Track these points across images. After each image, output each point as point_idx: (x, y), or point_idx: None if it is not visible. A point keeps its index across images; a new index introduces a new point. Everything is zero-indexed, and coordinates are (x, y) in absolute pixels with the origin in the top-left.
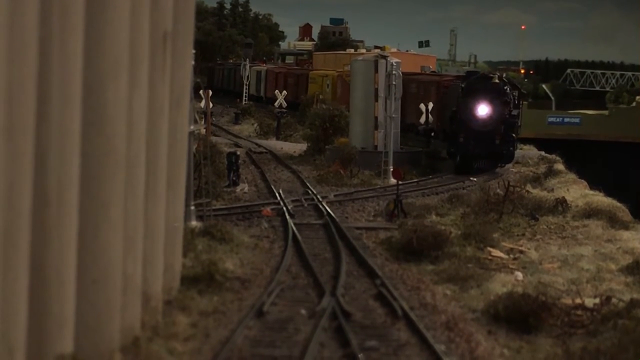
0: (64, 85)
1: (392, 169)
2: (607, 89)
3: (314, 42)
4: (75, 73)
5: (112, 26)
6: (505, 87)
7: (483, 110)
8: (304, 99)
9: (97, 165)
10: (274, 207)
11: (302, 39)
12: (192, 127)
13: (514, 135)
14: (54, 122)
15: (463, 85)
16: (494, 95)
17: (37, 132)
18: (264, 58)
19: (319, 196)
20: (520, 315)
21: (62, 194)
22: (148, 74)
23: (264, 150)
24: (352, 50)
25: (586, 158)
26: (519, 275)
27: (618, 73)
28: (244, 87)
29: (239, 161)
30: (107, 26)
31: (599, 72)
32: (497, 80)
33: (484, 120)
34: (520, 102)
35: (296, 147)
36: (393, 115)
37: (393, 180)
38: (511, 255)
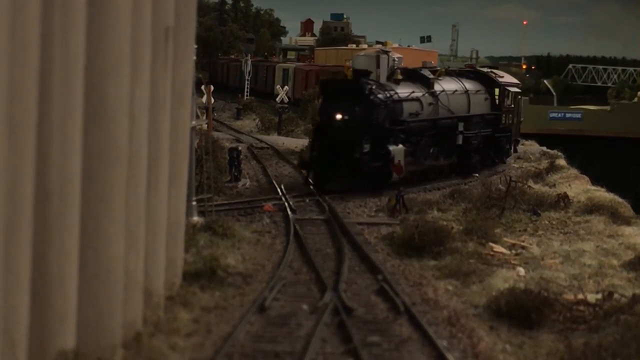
0: (65, 81)
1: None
2: (609, 85)
3: (316, 38)
4: (77, 69)
5: (114, 22)
6: (371, 87)
7: (338, 116)
8: (306, 95)
9: (99, 160)
10: (275, 202)
11: (303, 35)
12: (193, 122)
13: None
14: (56, 118)
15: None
16: (355, 98)
17: (39, 128)
18: (266, 53)
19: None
20: (522, 311)
21: (64, 189)
22: (150, 70)
23: (266, 146)
24: (354, 46)
25: (588, 154)
26: (521, 270)
27: (620, 68)
28: (245, 82)
29: (241, 156)
30: (109, 22)
31: (600, 67)
32: (369, 80)
33: (340, 129)
34: (503, 99)
35: (298, 143)
36: None
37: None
38: (513, 251)
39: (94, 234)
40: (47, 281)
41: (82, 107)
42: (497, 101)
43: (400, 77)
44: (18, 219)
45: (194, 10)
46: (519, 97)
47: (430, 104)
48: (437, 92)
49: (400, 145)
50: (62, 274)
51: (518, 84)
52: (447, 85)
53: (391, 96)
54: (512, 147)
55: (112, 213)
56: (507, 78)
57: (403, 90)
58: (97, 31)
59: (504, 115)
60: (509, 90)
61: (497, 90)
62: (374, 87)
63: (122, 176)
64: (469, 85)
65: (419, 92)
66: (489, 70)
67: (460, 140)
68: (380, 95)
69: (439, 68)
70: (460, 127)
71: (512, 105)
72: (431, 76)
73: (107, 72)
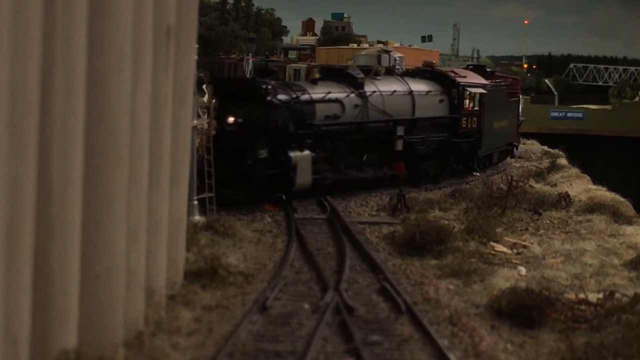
0: (67, 79)
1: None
2: (610, 84)
3: (317, 37)
4: (78, 67)
5: (116, 20)
6: (268, 87)
7: (231, 119)
8: None
9: (101, 159)
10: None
11: (304, 34)
12: (195, 121)
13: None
14: (58, 117)
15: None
16: (251, 99)
17: (40, 127)
18: (267, 53)
19: None
20: (524, 310)
21: (66, 188)
22: (151, 69)
23: None
24: (355, 45)
25: (589, 153)
26: (522, 270)
27: (621, 68)
28: None
29: None
30: (111, 20)
31: (601, 66)
32: (268, 80)
33: (233, 133)
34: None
35: None
36: None
37: None
38: (514, 250)
39: (95, 233)
40: (48, 280)
41: (83, 106)
42: (456, 103)
43: (317, 76)
44: (19, 218)
45: (196, 9)
46: (516, 98)
47: (356, 105)
48: (368, 93)
49: (307, 152)
50: (63, 273)
51: (485, 84)
52: (384, 85)
53: (298, 97)
54: (499, 156)
55: (113, 212)
56: (471, 78)
57: (318, 91)
58: (99, 30)
59: (464, 118)
60: (470, 92)
61: (455, 92)
62: (270, 86)
63: (123, 175)
64: (419, 85)
65: (341, 93)
66: (451, 69)
67: (400, 146)
68: (281, 96)
69: (378, 68)
70: (400, 131)
71: (476, 108)
72: (360, 76)
73: (108, 71)
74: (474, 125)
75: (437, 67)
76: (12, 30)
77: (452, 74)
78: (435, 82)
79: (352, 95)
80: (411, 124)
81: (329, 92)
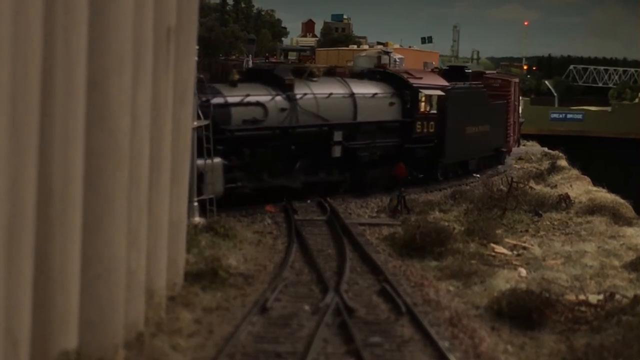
0: (67, 80)
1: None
2: (610, 85)
3: (317, 39)
4: (79, 68)
5: (116, 21)
6: None
7: None
8: None
9: (101, 160)
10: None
11: (304, 35)
12: (195, 123)
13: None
14: (58, 117)
15: None
16: None
17: (41, 127)
18: (267, 54)
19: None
20: (524, 312)
21: (66, 188)
22: (152, 70)
23: None
24: (355, 47)
25: (589, 154)
26: (523, 271)
27: (621, 69)
28: None
29: None
30: (111, 21)
31: (601, 68)
32: None
33: None
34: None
35: None
36: None
37: None
38: (514, 252)
39: (95, 233)
40: (49, 281)
41: (84, 106)
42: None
43: (236, 77)
44: (20, 219)
45: (196, 10)
46: (504, 102)
47: (282, 109)
48: (298, 96)
49: (218, 159)
50: (64, 274)
51: (445, 86)
52: (319, 88)
53: (208, 100)
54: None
55: (114, 213)
56: (429, 79)
57: (236, 93)
58: (99, 31)
59: (418, 122)
60: (425, 94)
61: (408, 94)
62: None
63: (124, 176)
64: (364, 87)
65: (264, 96)
66: (406, 70)
67: (337, 153)
68: None
69: (312, 67)
70: (338, 136)
71: (434, 111)
72: (289, 77)
73: (109, 71)
74: (432, 130)
75: (390, 69)
76: (13, 30)
77: (406, 75)
78: (386, 84)
79: (278, 98)
80: (352, 128)
81: (248, 95)
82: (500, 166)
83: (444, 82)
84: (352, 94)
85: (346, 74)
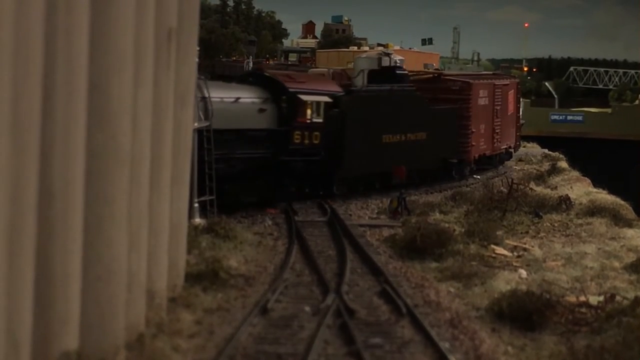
0: (69, 81)
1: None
2: (610, 87)
3: (317, 40)
4: (80, 69)
5: (117, 22)
6: None
7: None
8: None
9: (102, 161)
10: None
11: (305, 37)
12: (196, 124)
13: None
14: (59, 118)
15: None
16: None
17: (42, 128)
18: (267, 56)
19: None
20: (524, 313)
21: (67, 190)
22: (153, 71)
23: None
24: (355, 48)
25: (589, 156)
26: (523, 273)
27: (621, 71)
28: None
29: None
30: (112, 22)
31: (602, 69)
32: None
33: None
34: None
35: None
36: None
37: None
38: (515, 253)
39: (96, 235)
40: (50, 282)
41: (85, 107)
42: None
43: None
44: (21, 220)
45: (197, 11)
46: (455, 106)
47: None
48: None
49: None
50: (65, 275)
51: (336, 92)
52: None
53: None
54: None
55: (114, 214)
56: (315, 84)
57: None
58: (100, 32)
59: (297, 132)
60: (307, 100)
61: (285, 99)
62: None
63: (124, 177)
64: (225, 91)
65: None
66: (287, 73)
67: None
68: None
69: None
70: None
71: (319, 120)
72: None
73: (110, 72)
74: (316, 141)
75: (268, 72)
76: (14, 32)
77: (284, 79)
78: (259, 88)
79: None
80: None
81: None
82: (500, 167)
83: (334, 88)
84: (204, 98)
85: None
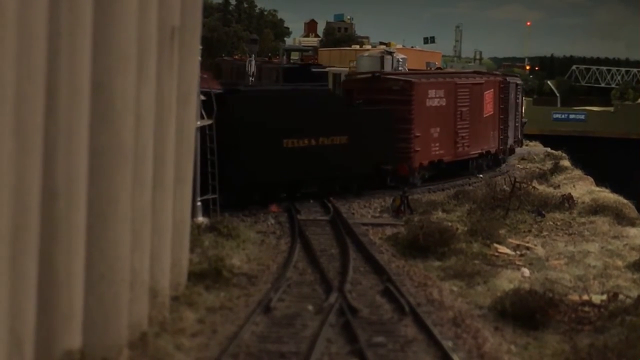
0: (72, 80)
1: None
2: (613, 86)
3: (319, 39)
4: (83, 68)
5: (120, 21)
6: None
7: None
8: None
9: (105, 160)
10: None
11: (307, 35)
12: (198, 123)
13: None
14: (63, 117)
15: None
16: None
17: (45, 128)
18: (269, 54)
19: None
20: (527, 312)
21: (71, 188)
22: (156, 69)
23: None
24: (358, 47)
25: (591, 154)
26: (526, 271)
27: (623, 69)
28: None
29: None
30: (115, 21)
31: (604, 68)
32: None
33: None
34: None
35: None
36: None
37: None
38: (518, 252)
39: (100, 233)
40: (53, 281)
41: (88, 106)
42: None
43: None
44: (25, 219)
45: (200, 10)
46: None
47: None
48: None
49: None
50: (68, 274)
51: (215, 90)
52: None
53: None
54: None
55: (118, 213)
56: None
57: None
58: (104, 31)
59: None
60: None
61: None
62: None
63: (128, 176)
64: None
65: None
66: None
67: None
68: None
69: None
70: None
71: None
72: None
73: (113, 71)
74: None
75: None
76: (18, 31)
77: None
78: None
79: None
80: None
81: None
82: (503, 165)
83: (214, 86)
84: None
85: None
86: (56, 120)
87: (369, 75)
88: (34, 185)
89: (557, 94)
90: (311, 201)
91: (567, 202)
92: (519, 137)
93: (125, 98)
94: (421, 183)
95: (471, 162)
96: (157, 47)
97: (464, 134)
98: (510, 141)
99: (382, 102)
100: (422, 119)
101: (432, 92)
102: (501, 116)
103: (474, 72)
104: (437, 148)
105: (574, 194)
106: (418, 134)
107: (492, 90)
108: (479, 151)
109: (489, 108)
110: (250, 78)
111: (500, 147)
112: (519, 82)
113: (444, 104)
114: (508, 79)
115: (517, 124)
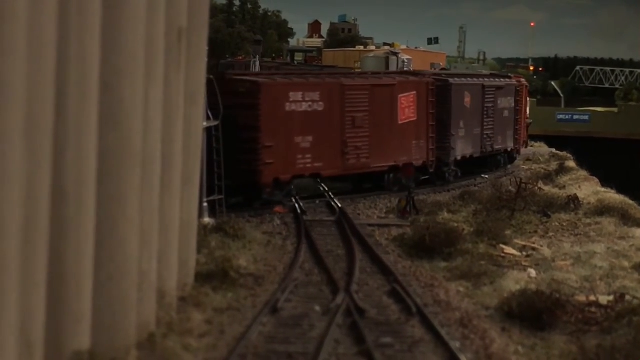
0: (81, 81)
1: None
2: (617, 86)
3: (323, 39)
4: (92, 70)
5: (129, 23)
6: None
7: None
8: None
9: (114, 161)
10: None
11: (311, 36)
12: (205, 124)
13: None
14: (72, 119)
15: None
16: None
17: (55, 129)
18: (273, 55)
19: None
20: (534, 313)
21: (80, 190)
22: (163, 71)
23: None
24: (362, 47)
25: (596, 155)
26: (532, 272)
27: (627, 70)
28: None
29: None
30: (124, 23)
31: (608, 69)
32: None
33: None
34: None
35: None
36: None
37: None
38: (524, 253)
39: (108, 234)
40: (63, 282)
41: (97, 107)
42: None
43: None
44: (35, 220)
45: (207, 11)
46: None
47: None
48: None
49: None
50: (77, 275)
51: None
52: None
53: None
54: None
55: (126, 213)
56: None
57: None
58: (112, 32)
59: None
60: None
61: None
62: None
63: (136, 176)
64: None
65: None
66: None
67: None
68: None
69: None
70: None
71: None
72: None
73: (122, 72)
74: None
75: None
76: (28, 33)
77: None
78: None
79: None
80: None
81: None
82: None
83: None
84: None
85: None
86: (65, 121)
87: (220, 76)
88: (44, 185)
89: (561, 95)
90: (317, 202)
91: (572, 202)
92: (519, 143)
93: (133, 99)
94: (283, 198)
95: (387, 175)
96: (164, 48)
97: (359, 144)
98: (465, 151)
99: (231, 108)
100: (277, 126)
101: (296, 95)
102: (431, 123)
103: (402, 72)
104: (308, 160)
105: (580, 195)
106: (269, 144)
107: (412, 92)
108: (393, 163)
109: (407, 113)
110: None
111: (431, 160)
112: (516, 83)
113: (319, 108)
114: (486, 80)
115: (517, 127)
